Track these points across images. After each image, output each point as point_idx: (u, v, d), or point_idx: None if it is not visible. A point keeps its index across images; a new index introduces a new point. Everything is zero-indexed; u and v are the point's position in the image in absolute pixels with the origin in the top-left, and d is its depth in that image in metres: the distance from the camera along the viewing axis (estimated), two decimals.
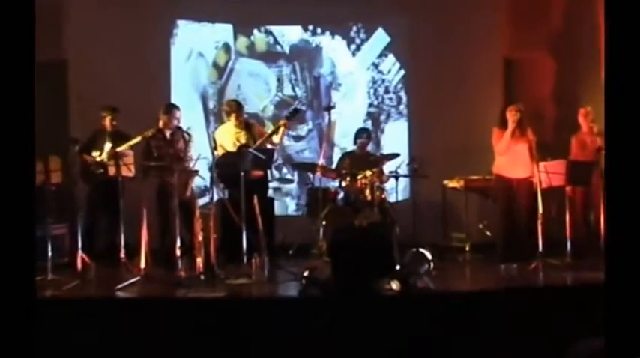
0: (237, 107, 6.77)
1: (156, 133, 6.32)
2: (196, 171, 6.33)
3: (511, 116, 6.36)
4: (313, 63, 8.73)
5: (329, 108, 7.19)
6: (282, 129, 6.60)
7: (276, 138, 6.67)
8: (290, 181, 8.63)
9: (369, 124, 8.43)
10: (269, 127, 7.83)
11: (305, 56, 8.73)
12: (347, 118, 8.34)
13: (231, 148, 6.53)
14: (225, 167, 6.21)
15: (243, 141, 6.56)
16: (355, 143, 7.36)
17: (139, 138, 6.12)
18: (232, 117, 6.71)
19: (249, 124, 6.88)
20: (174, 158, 6.11)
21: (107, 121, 6.79)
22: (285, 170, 8.66)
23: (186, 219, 6.00)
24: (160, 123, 6.41)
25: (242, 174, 5.91)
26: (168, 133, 6.43)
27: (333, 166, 7.59)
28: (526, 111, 6.44)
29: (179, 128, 6.39)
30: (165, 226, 6.10)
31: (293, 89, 8.74)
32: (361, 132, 7.42)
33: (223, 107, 7.13)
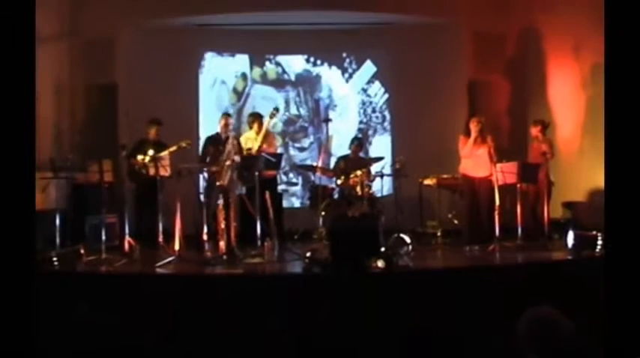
0: (258, 118, 6.76)
1: (215, 136, 6.20)
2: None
3: (474, 126, 6.33)
4: (314, 88, 8.74)
5: (327, 120, 7.08)
6: (265, 124, 6.53)
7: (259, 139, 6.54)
8: (295, 184, 8.58)
9: None
10: (278, 140, 7.90)
11: (307, 83, 8.74)
12: (341, 133, 8.32)
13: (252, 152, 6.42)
14: (243, 168, 6.12)
15: (262, 146, 6.45)
16: (350, 148, 7.26)
17: (175, 147, 6.10)
18: (255, 126, 6.69)
19: (266, 133, 6.75)
20: (224, 154, 5.95)
21: (153, 131, 6.71)
22: (291, 175, 8.62)
23: (228, 207, 5.85)
24: (218, 128, 6.21)
25: (257, 174, 5.88)
26: (223, 137, 6.16)
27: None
28: (486, 122, 6.41)
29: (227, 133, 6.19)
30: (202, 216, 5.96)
31: (298, 109, 8.76)
32: (354, 141, 7.32)
33: (247, 119, 7.08)
